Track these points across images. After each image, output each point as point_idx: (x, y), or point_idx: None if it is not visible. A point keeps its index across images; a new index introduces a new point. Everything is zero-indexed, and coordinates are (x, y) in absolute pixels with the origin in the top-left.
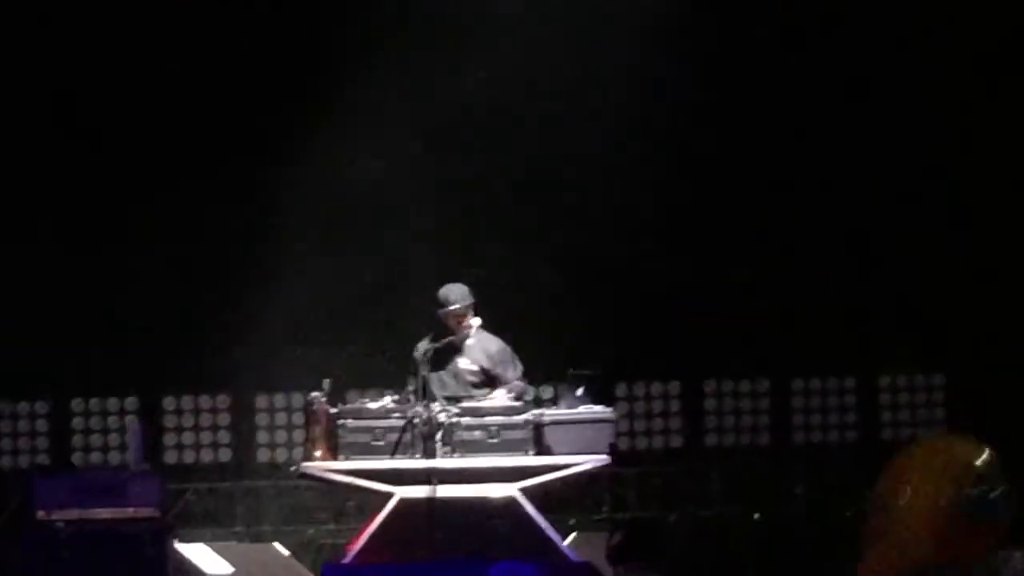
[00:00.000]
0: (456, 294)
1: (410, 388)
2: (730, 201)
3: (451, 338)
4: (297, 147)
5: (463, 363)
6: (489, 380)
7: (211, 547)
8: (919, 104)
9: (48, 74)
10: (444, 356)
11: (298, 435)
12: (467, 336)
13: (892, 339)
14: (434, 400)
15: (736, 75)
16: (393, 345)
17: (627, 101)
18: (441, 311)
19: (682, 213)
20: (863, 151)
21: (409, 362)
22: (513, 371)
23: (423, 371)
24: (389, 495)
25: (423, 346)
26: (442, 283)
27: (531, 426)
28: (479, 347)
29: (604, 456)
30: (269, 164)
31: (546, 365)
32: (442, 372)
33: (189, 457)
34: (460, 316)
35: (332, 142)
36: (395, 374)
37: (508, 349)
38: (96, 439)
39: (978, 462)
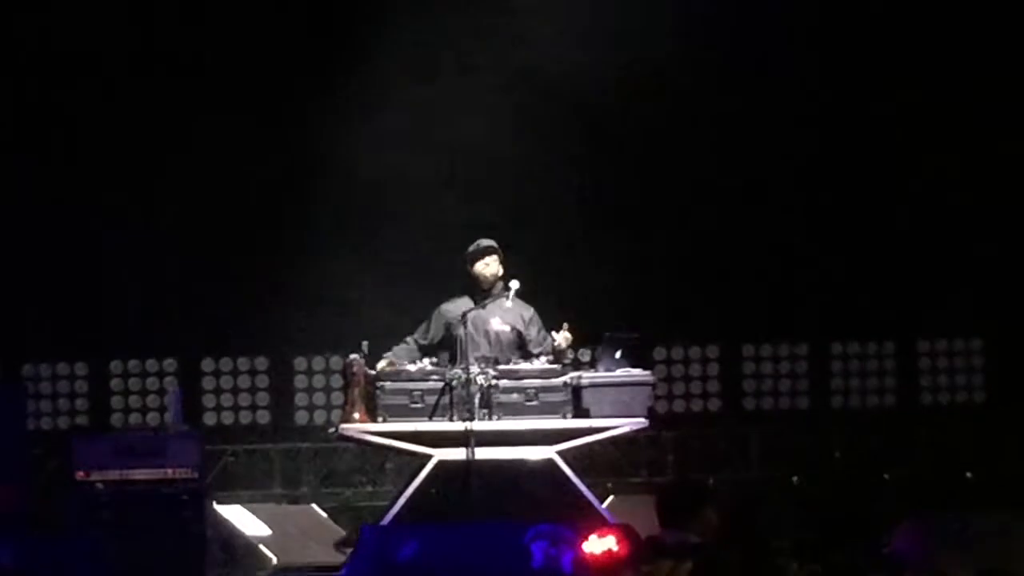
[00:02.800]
0: (487, 241)
1: (417, 336)
2: (769, 163)
3: (488, 278)
4: (334, 110)
5: (495, 323)
6: (520, 343)
7: (249, 508)
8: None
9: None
10: (475, 318)
11: (336, 397)
12: (498, 292)
13: (931, 303)
14: (464, 359)
15: (766, 56)
16: (435, 307)
17: (670, 67)
18: (474, 255)
19: (722, 176)
20: (903, 119)
21: (429, 316)
22: (543, 333)
23: (459, 333)
24: (427, 457)
25: (446, 307)
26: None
27: (569, 389)
28: (513, 310)
29: (642, 419)
30: (308, 127)
31: (584, 328)
32: (472, 332)
33: (228, 419)
34: (493, 254)
35: (367, 113)
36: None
37: (537, 315)
38: (135, 400)
39: None
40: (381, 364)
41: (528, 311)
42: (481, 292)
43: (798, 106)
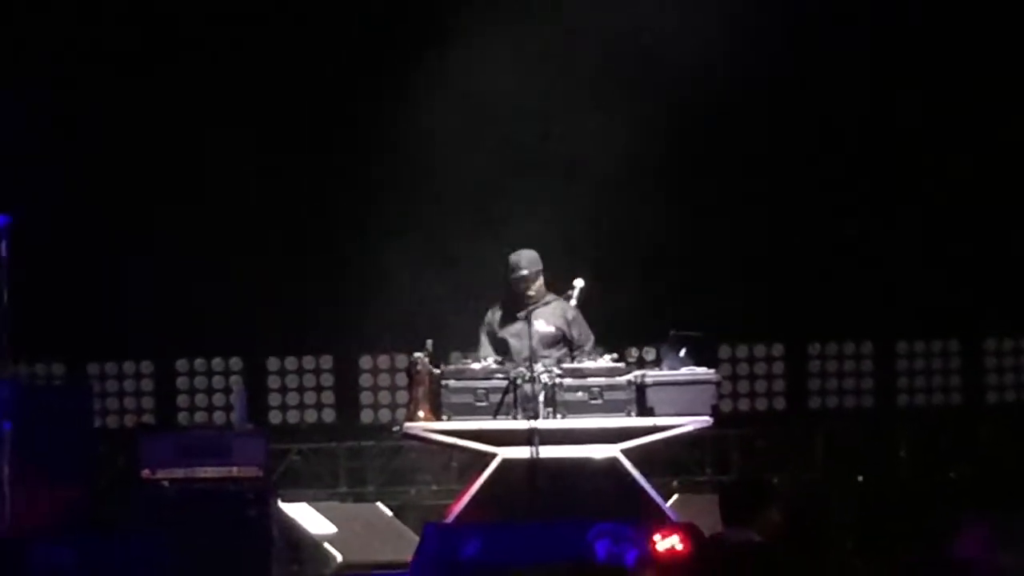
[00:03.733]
0: (527, 259)
1: (482, 355)
2: (837, 161)
3: (521, 298)
4: (390, 109)
5: (539, 325)
6: (565, 343)
7: (314, 507)
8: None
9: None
10: (517, 322)
11: (401, 396)
12: (538, 300)
13: (999, 302)
14: (537, 361)
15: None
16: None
17: (731, 55)
18: (513, 276)
19: (790, 173)
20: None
21: (480, 324)
22: (588, 336)
23: (490, 345)
24: (491, 456)
25: (489, 316)
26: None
27: (633, 387)
28: (552, 309)
29: (706, 417)
30: (371, 122)
31: (649, 326)
32: (517, 337)
33: (293, 417)
34: (530, 280)
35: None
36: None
37: (579, 312)
38: (201, 399)
39: None
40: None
41: (571, 311)
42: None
43: (864, 100)
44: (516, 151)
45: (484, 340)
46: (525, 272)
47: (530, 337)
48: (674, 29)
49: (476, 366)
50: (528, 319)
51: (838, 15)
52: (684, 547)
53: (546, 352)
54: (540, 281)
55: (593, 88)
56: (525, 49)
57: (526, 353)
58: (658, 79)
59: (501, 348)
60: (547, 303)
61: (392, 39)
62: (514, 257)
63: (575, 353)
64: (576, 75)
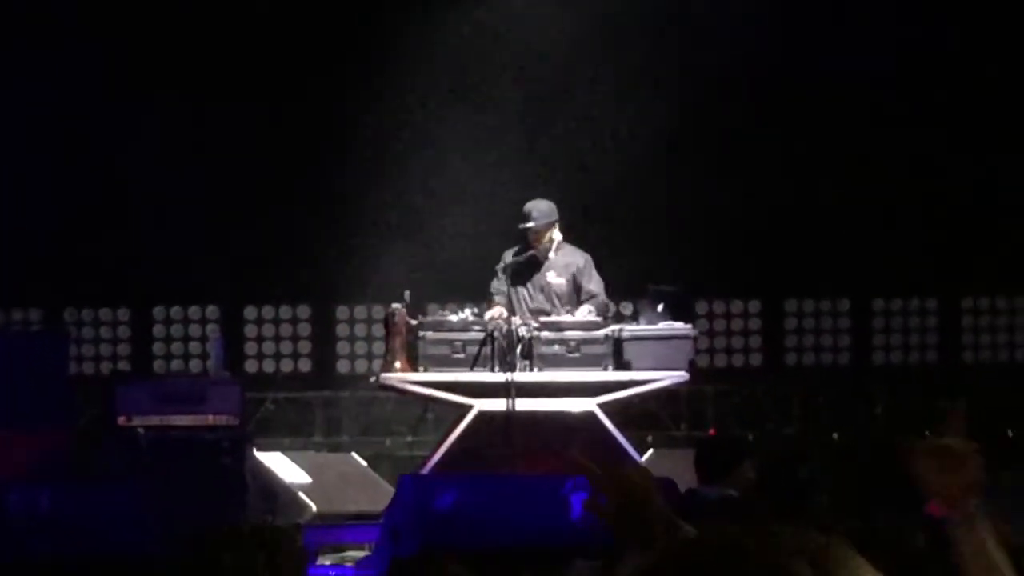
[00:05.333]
0: (539, 211)
1: (493, 289)
2: (812, 118)
3: (532, 252)
4: (376, 57)
5: (550, 276)
6: (577, 292)
7: (289, 456)
8: None
9: None
10: (529, 270)
11: (378, 346)
12: (549, 250)
13: (976, 260)
14: (516, 312)
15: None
16: (475, 257)
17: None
18: (521, 226)
19: (765, 131)
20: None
21: (496, 271)
22: (597, 283)
23: (507, 283)
24: (468, 407)
25: (507, 257)
26: (528, 196)
27: (611, 341)
28: (564, 260)
29: (683, 373)
30: (354, 73)
31: (626, 280)
32: (528, 286)
33: (269, 367)
34: (541, 232)
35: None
36: (476, 286)
37: (591, 261)
38: (177, 347)
39: None
40: (494, 312)
41: (582, 259)
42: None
43: (850, 60)
44: (507, 103)
45: (501, 276)
46: (532, 224)
47: (542, 289)
48: None
49: (453, 318)
50: (539, 271)
51: None
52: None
53: (558, 306)
54: (551, 232)
55: (587, 45)
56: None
57: (533, 305)
58: (655, 41)
59: (508, 289)
60: (560, 253)
61: None
62: (527, 207)
63: (585, 300)
64: (580, 30)
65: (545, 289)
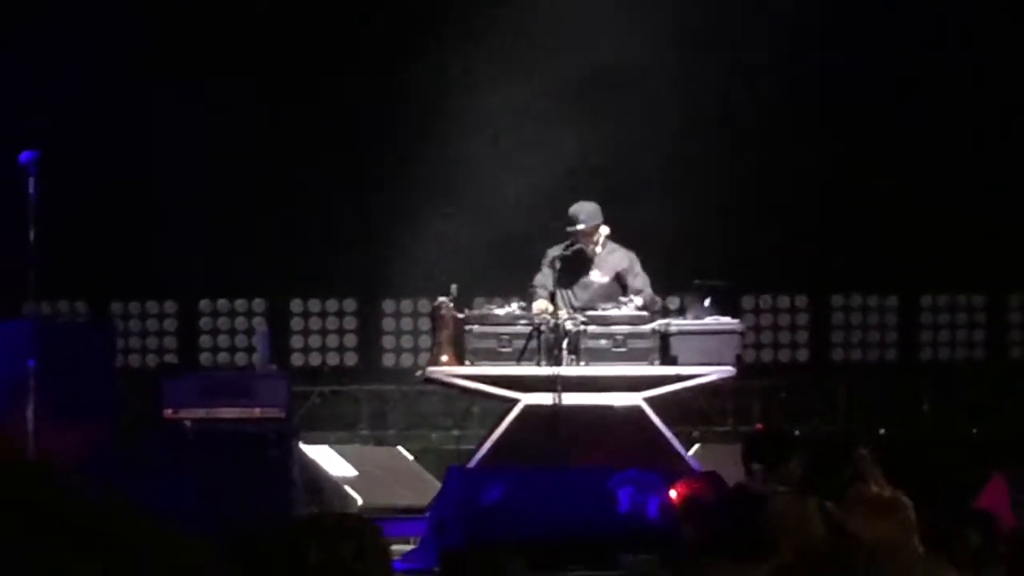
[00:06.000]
0: (585, 213)
1: (536, 282)
2: (862, 112)
3: (578, 246)
4: (420, 46)
5: (595, 275)
6: (622, 290)
7: (335, 449)
8: None
9: None
10: (574, 268)
11: (424, 340)
12: (595, 249)
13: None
14: (560, 308)
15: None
16: (524, 252)
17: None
18: (569, 229)
19: (813, 124)
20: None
21: (541, 265)
22: (643, 281)
23: (551, 278)
24: (514, 402)
25: (553, 252)
26: (572, 197)
27: (657, 335)
28: (610, 258)
29: (730, 367)
30: (398, 76)
31: (673, 275)
32: (574, 285)
33: (315, 360)
34: (588, 234)
35: (465, 62)
36: (523, 281)
37: (637, 259)
38: (224, 340)
39: None
40: (540, 304)
41: (627, 258)
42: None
43: (895, 52)
44: (547, 93)
45: (546, 271)
46: (581, 227)
47: (586, 287)
48: None
49: (500, 312)
50: (584, 267)
51: None
52: (707, 496)
53: (602, 303)
54: (598, 234)
55: (627, 24)
56: None
57: (578, 302)
58: (696, 23)
59: (558, 284)
60: (606, 251)
61: None
62: (573, 209)
63: (637, 298)
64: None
65: (590, 287)
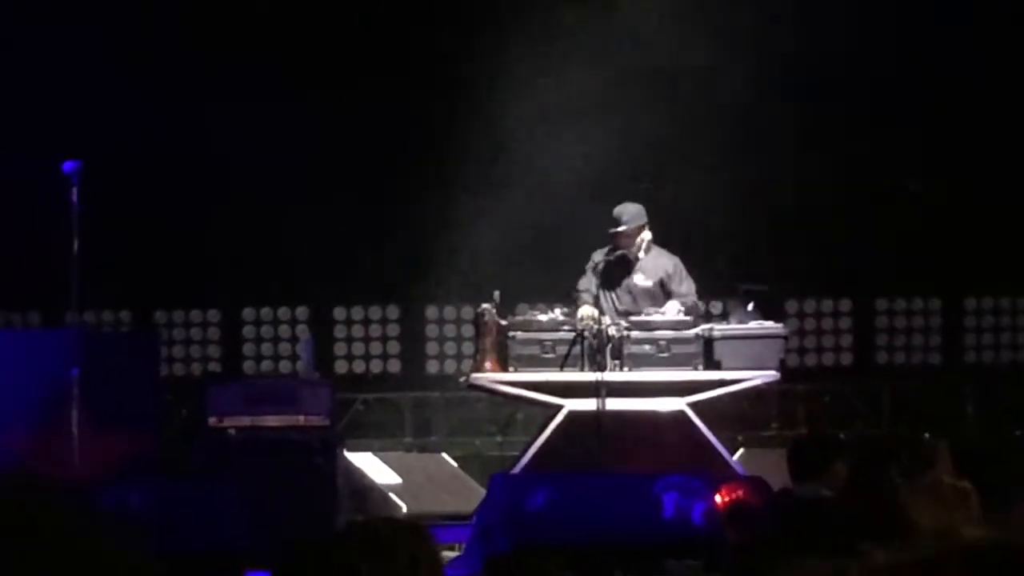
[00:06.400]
0: (629, 214)
1: (581, 286)
2: (902, 116)
3: (622, 251)
4: (469, 66)
5: (639, 279)
6: (666, 295)
7: (379, 456)
8: None
9: None
10: (618, 272)
11: (467, 347)
12: (639, 253)
13: None
14: (603, 313)
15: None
16: (567, 258)
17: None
18: (611, 231)
19: (856, 129)
20: None
21: (585, 269)
22: (687, 286)
23: (595, 283)
24: (558, 407)
25: (597, 257)
26: (614, 200)
27: (701, 340)
28: (653, 263)
29: (774, 372)
30: (442, 83)
31: (717, 280)
32: (617, 289)
33: (359, 367)
34: (631, 236)
35: (505, 64)
36: (566, 286)
37: (681, 264)
38: (267, 348)
39: None
40: (585, 312)
41: (668, 260)
42: None
43: (935, 55)
44: (587, 93)
45: (590, 276)
46: (624, 228)
47: (629, 291)
48: None
49: (543, 318)
50: (628, 273)
51: None
52: (752, 501)
53: (646, 308)
54: (642, 235)
55: (665, 35)
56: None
57: (621, 306)
58: (727, 27)
59: (602, 287)
60: (649, 255)
61: None
62: (616, 210)
63: (680, 303)
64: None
65: (633, 291)
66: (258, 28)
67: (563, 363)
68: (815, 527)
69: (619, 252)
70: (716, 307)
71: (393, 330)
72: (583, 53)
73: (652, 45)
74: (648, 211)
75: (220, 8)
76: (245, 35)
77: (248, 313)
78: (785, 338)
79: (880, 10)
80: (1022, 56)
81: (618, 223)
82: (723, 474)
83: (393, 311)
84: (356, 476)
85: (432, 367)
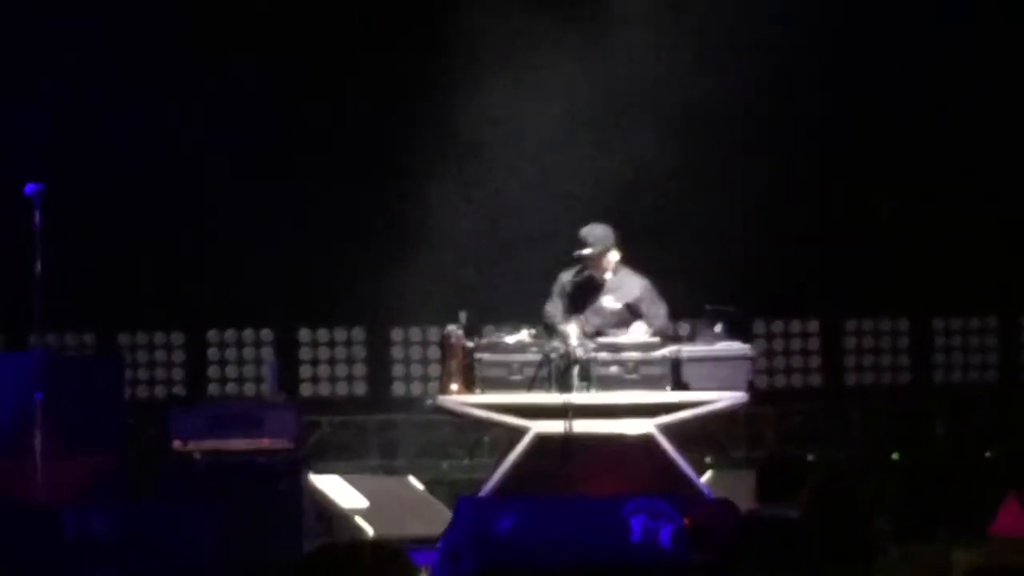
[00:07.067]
0: (595, 236)
1: (548, 310)
2: (873, 138)
3: (589, 274)
4: (434, 82)
5: (607, 301)
6: (634, 317)
7: (345, 479)
8: None
9: None
10: (585, 295)
11: (434, 369)
12: (606, 274)
13: None
14: (570, 334)
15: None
16: (534, 280)
17: (772, 41)
18: (576, 253)
19: (820, 151)
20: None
21: (551, 291)
22: (658, 308)
23: (561, 306)
24: (525, 430)
25: (565, 277)
26: (584, 220)
27: (669, 362)
28: (624, 284)
29: (742, 393)
30: (408, 99)
31: (684, 301)
32: (585, 311)
33: (325, 390)
34: (597, 258)
35: (473, 79)
36: (533, 307)
37: (651, 286)
38: (232, 370)
39: None
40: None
41: (637, 282)
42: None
43: (904, 73)
44: (559, 119)
45: (556, 300)
46: (588, 252)
47: (598, 313)
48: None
49: (510, 339)
50: (595, 294)
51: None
52: (720, 523)
53: (614, 330)
54: (608, 257)
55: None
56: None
57: (589, 328)
58: (701, 46)
59: (564, 311)
60: (618, 277)
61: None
62: (583, 232)
63: (648, 324)
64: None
65: (601, 314)
66: (222, 48)
67: (530, 385)
68: (782, 549)
69: (586, 274)
70: (684, 328)
71: (359, 352)
72: (554, 73)
73: (626, 64)
74: (616, 233)
75: (184, 31)
76: (209, 58)
77: (212, 335)
78: (753, 359)
79: (852, 32)
80: (993, 79)
81: (583, 245)
82: (691, 496)
83: (359, 333)
84: (322, 500)
85: (398, 389)
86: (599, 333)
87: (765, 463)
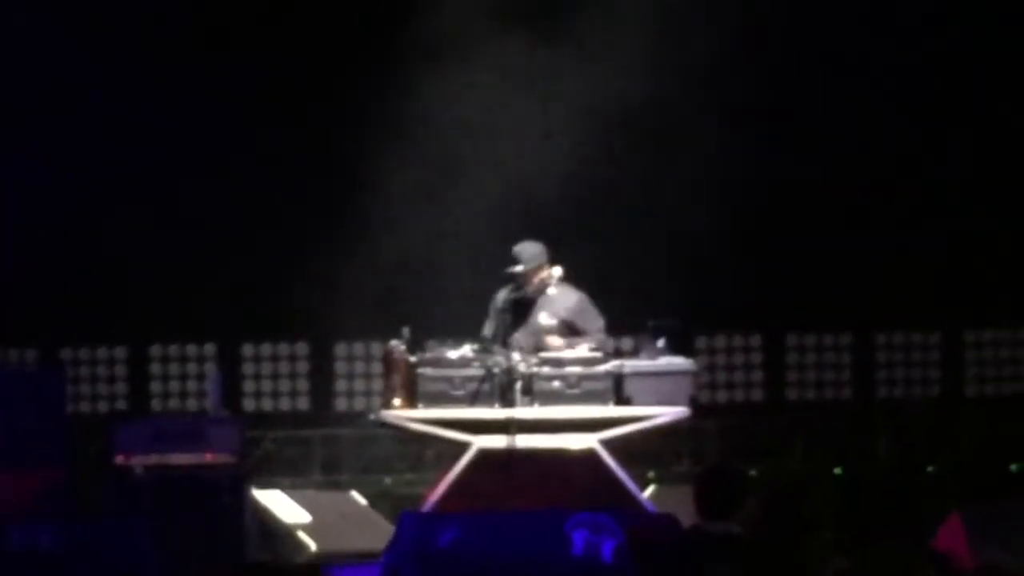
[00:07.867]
0: (528, 253)
1: (486, 332)
2: (811, 152)
3: (524, 292)
4: (387, 90)
5: (543, 317)
6: (571, 333)
7: (288, 494)
8: None
9: None
10: (524, 310)
11: (377, 383)
12: (544, 290)
13: (980, 294)
14: (511, 349)
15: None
16: (477, 296)
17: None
18: (509, 270)
19: (766, 166)
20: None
21: (488, 311)
22: (594, 322)
23: (500, 321)
24: (468, 445)
25: (502, 295)
26: (524, 236)
27: (611, 377)
28: (559, 300)
29: (684, 408)
30: (357, 110)
31: (626, 316)
32: (522, 329)
33: (267, 404)
34: (530, 275)
35: (427, 85)
36: (475, 323)
37: (588, 301)
38: (175, 385)
39: None
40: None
41: (574, 297)
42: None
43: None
44: (502, 129)
45: (492, 319)
46: (521, 268)
47: (535, 329)
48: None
49: (452, 354)
50: (531, 310)
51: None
52: (661, 538)
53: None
54: (542, 274)
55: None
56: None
57: (527, 345)
58: (650, 59)
59: (504, 328)
60: (552, 293)
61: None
62: (515, 249)
63: (589, 340)
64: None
65: (537, 331)
66: (176, 65)
67: (473, 400)
68: (725, 564)
69: (522, 292)
70: (626, 343)
71: (302, 367)
72: (492, 86)
73: (566, 73)
74: (555, 248)
75: (146, 45)
76: (164, 74)
77: (155, 350)
78: (695, 374)
79: (812, 47)
80: (937, 94)
81: (516, 262)
82: (633, 511)
83: (302, 348)
84: (264, 514)
85: (341, 404)
86: (538, 350)
87: (704, 479)
